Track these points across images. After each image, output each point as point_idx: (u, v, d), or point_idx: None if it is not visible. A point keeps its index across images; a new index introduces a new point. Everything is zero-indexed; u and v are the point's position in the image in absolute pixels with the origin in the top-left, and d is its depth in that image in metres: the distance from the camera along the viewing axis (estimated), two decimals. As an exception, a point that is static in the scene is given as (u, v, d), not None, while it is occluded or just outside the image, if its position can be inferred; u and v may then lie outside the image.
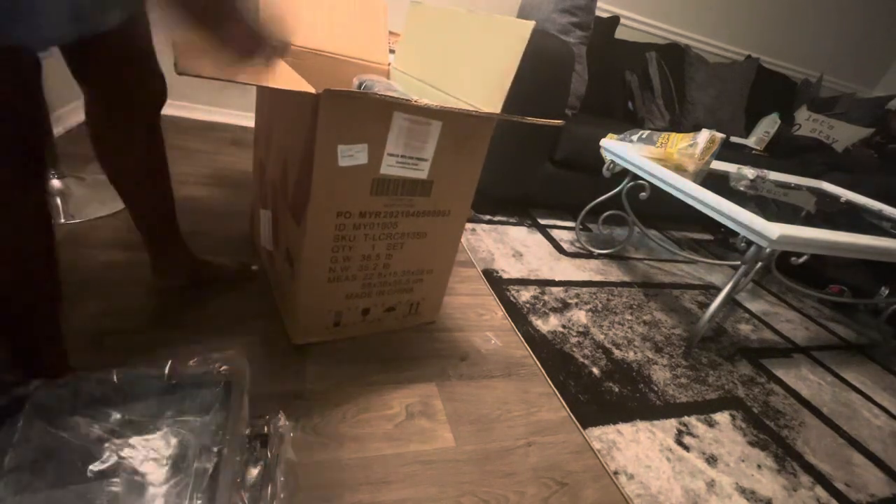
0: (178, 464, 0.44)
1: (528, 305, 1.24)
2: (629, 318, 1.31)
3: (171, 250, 0.92)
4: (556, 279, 1.42)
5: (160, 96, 0.75)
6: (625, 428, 0.91)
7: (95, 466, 0.43)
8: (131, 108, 0.72)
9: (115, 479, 0.41)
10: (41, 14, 0.47)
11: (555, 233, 1.77)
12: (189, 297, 0.94)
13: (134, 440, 0.44)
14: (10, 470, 0.41)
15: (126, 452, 0.43)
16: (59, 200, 1.14)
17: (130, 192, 0.81)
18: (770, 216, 1.05)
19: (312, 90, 0.64)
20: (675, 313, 1.41)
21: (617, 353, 1.14)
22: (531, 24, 0.74)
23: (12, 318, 0.55)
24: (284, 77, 0.69)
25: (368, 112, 0.70)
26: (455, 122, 0.78)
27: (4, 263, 0.51)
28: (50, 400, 0.45)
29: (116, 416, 0.45)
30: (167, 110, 1.92)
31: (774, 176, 1.75)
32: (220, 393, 0.50)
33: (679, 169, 1.38)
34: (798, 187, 1.78)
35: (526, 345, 1.07)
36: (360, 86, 1.01)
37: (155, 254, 0.91)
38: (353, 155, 0.72)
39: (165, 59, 0.72)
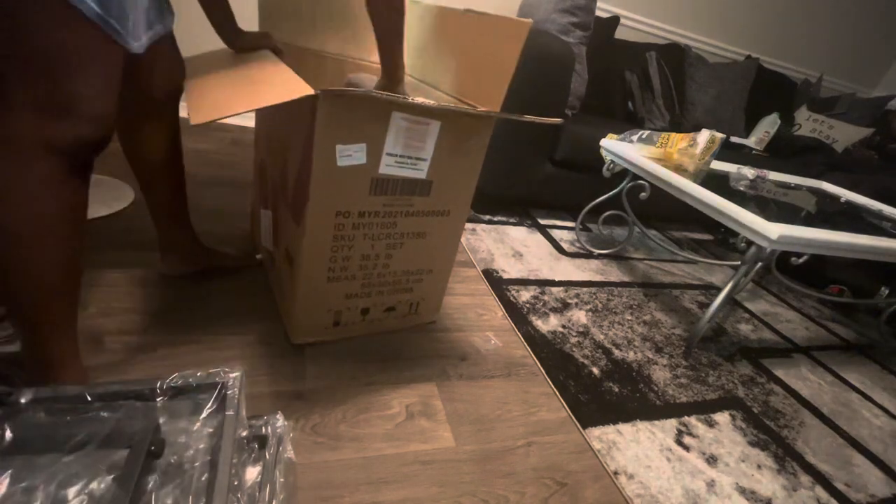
0: (174, 468, 0.44)
1: (528, 305, 1.24)
2: (629, 318, 1.31)
3: (181, 237, 0.95)
4: (556, 279, 1.42)
5: (181, 85, 0.80)
6: (625, 428, 0.91)
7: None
8: (159, 95, 0.77)
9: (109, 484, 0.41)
10: (137, 26, 0.57)
11: (555, 233, 1.77)
12: (189, 297, 0.95)
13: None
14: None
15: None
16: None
17: (150, 176, 0.85)
18: (770, 216, 1.05)
19: (311, 91, 0.64)
20: (675, 313, 1.41)
21: (617, 353, 1.14)
22: (529, 23, 0.74)
23: (35, 308, 0.56)
24: (284, 81, 0.69)
25: (366, 112, 0.70)
26: (454, 122, 0.78)
27: (44, 248, 0.54)
28: (32, 422, 0.44)
29: (105, 415, 0.45)
30: (167, 110, 1.93)
31: (774, 176, 1.75)
32: (216, 395, 0.50)
33: (679, 169, 1.38)
34: (798, 187, 1.78)
35: (526, 345, 1.07)
36: (349, 85, 1.01)
37: (166, 241, 0.95)
38: (351, 155, 0.72)
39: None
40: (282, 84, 0.68)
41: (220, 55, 0.89)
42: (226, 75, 0.76)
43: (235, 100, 0.65)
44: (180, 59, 0.79)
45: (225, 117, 0.58)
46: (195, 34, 1.07)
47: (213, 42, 0.90)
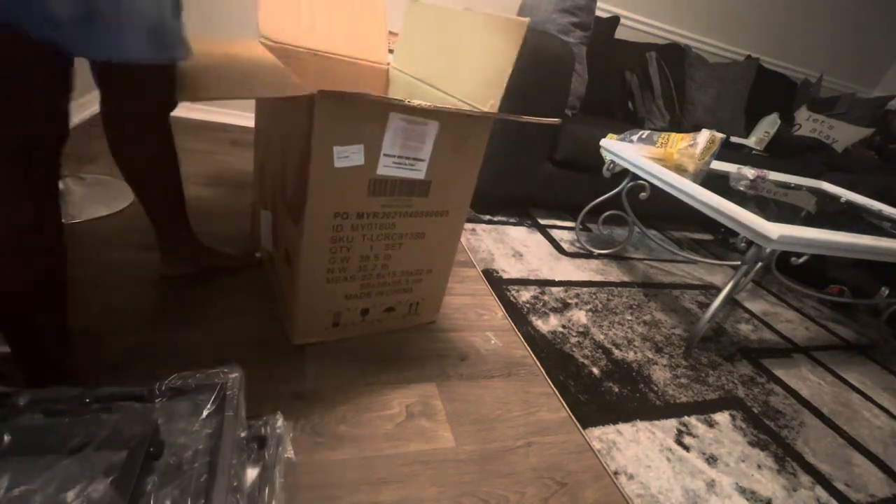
0: (173, 469, 0.44)
1: (528, 305, 1.24)
2: (629, 318, 1.31)
3: (179, 238, 0.95)
4: (556, 279, 1.42)
5: (175, 102, 0.78)
6: (625, 428, 0.91)
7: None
8: (147, 111, 0.76)
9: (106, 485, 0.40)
10: (117, 30, 0.51)
11: (555, 233, 1.77)
12: (189, 297, 0.94)
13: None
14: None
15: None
16: (58, 201, 1.14)
17: (143, 184, 0.85)
18: (770, 216, 1.05)
19: (308, 92, 0.63)
20: (675, 313, 1.41)
21: (617, 353, 1.14)
22: (526, 21, 0.74)
23: (19, 319, 0.56)
24: (281, 81, 0.69)
25: (364, 113, 0.70)
26: (452, 122, 0.78)
27: (14, 263, 0.52)
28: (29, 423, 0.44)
29: (103, 417, 0.45)
30: (167, 110, 1.93)
31: (774, 176, 1.75)
32: (215, 396, 0.50)
33: (679, 169, 1.38)
34: (798, 187, 1.78)
35: (526, 345, 1.07)
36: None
37: (164, 242, 0.94)
38: (348, 156, 0.72)
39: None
40: (278, 80, 0.68)
41: (218, 46, 0.89)
42: (222, 63, 0.75)
43: (229, 86, 0.65)
44: (172, 74, 0.74)
45: (215, 99, 0.56)
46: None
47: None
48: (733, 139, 2.32)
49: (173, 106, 0.78)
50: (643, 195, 1.48)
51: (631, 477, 0.81)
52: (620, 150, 1.45)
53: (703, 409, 1.03)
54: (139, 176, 0.83)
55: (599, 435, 0.88)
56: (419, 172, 0.81)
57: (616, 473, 0.81)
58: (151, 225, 0.91)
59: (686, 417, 0.99)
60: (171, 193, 0.88)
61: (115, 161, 0.80)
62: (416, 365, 0.93)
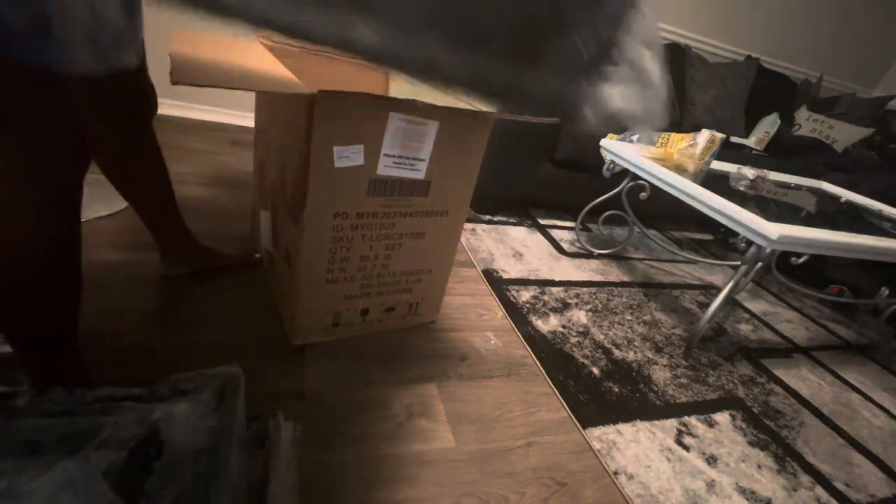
0: (173, 469, 0.44)
1: (528, 305, 1.24)
2: (629, 318, 1.31)
3: (177, 240, 0.95)
4: (556, 279, 1.42)
5: (152, 108, 0.79)
6: (625, 428, 0.91)
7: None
8: (126, 120, 0.76)
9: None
10: (67, 50, 0.48)
11: (555, 233, 1.77)
12: (189, 297, 0.94)
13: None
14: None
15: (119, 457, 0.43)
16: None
17: (131, 192, 0.85)
18: (770, 216, 1.05)
19: (306, 91, 0.63)
20: (675, 313, 1.41)
21: (617, 353, 1.14)
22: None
23: (35, 321, 0.55)
24: (279, 79, 0.69)
25: (364, 112, 0.70)
26: (452, 122, 0.78)
27: (36, 267, 0.52)
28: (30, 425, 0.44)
29: (103, 417, 0.45)
30: (167, 110, 1.93)
31: (774, 176, 1.75)
32: (215, 396, 0.50)
33: (679, 169, 1.38)
34: (798, 187, 1.78)
35: (526, 345, 1.07)
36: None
37: (162, 244, 0.95)
38: (348, 156, 0.72)
39: (160, 67, 0.75)
40: (277, 76, 0.68)
41: (217, 43, 0.88)
42: (222, 55, 0.75)
43: (229, 76, 0.65)
44: (146, 81, 0.76)
45: (213, 87, 0.55)
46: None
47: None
48: (733, 139, 2.32)
49: (155, 106, 0.79)
50: (643, 195, 1.48)
51: (631, 477, 0.81)
52: (620, 150, 1.45)
53: (703, 409, 1.03)
54: (126, 184, 0.83)
55: (599, 435, 0.88)
56: (419, 172, 0.81)
57: (616, 473, 0.81)
58: (149, 232, 0.92)
59: (686, 417, 0.99)
60: (161, 200, 0.89)
61: (104, 170, 0.79)
62: (416, 365, 0.93)
